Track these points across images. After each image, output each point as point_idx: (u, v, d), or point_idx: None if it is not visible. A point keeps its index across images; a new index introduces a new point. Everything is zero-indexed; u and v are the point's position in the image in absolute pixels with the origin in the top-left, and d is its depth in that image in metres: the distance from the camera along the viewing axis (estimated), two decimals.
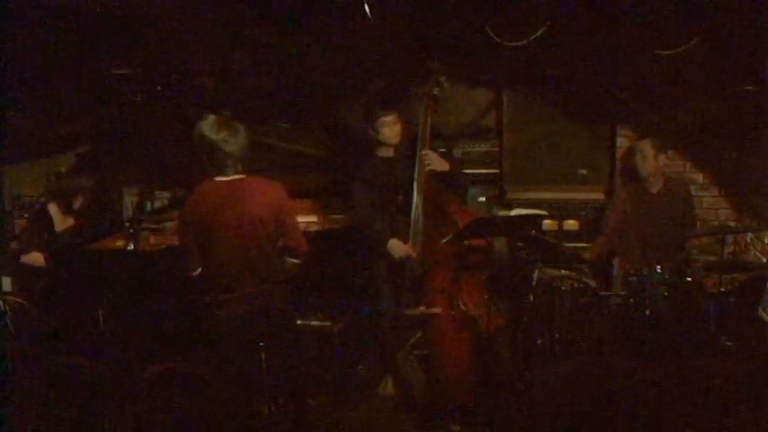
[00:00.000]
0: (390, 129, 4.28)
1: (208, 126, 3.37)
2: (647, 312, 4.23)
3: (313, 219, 4.97)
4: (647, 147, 4.78)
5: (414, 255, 4.13)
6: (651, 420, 3.56)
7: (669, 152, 5.00)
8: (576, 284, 4.45)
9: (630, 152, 4.97)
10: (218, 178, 3.42)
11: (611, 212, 4.91)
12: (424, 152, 4.18)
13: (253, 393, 3.50)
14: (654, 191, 4.85)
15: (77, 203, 4.70)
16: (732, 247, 4.81)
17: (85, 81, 5.05)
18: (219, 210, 3.36)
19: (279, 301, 3.52)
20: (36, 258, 4.57)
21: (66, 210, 4.71)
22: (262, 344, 3.43)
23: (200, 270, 3.47)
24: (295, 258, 3.57)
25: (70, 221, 4.76)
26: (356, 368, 4.59)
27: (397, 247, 4.19)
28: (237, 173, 3.43)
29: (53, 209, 4.71)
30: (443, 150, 4.93)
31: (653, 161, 4.77)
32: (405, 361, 4.09)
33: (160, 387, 3.70)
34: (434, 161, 4.20)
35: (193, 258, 3.46)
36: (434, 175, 4.22)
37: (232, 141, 3.36)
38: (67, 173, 4.80)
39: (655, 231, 4.77)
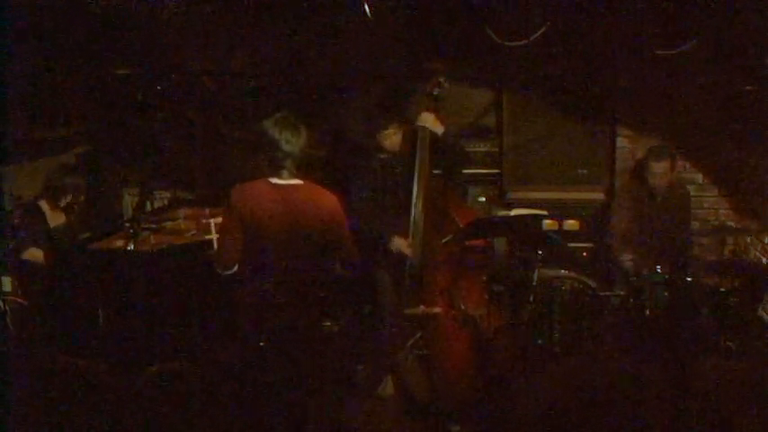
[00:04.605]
0: (391, 140, 4.31)
1: (271, 123, 3.28)
2: (647, 312, 4.23)
3: None
4: (666, 166, 4.67)
5: (412, 252, 4.13)
6: (651, 421, 3.56)
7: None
8: (575, 284, 4.45)
9: (645, 166, 4.78)
10: (272, 180, 3.30)
11: (618, 214, 4.88)
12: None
13: (258, 394, 3.48)
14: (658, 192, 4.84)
15: (64, 201, 4.68)
16: (732, 247, 4.82)
17: (85, 81, 5.05)
18: (271, 215, 3.25)
19: (312, 311, 3.44)
20: (35, 255, 4.53)
21: (55, 206, 4.69)
22: (261, 343, 3.41)
23: (235, 269, 3.35)
24: (349, 270, 3.51)
25: (62, 218, 4.74)
26: (356, 368, 4.59)
27: (396, 242, 4.20)
28: (293, 176, 3.32)
29: (44, 205, 4.69)
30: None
31: (669, 176, 4.71)
32: (405, 361, 4.09)
33: (159, 387, 3.70)
34: (429, 121, 4.16)
35: (230, 257, 3.32)
36: (433, 151, 4.17)
37: (294, 142, 3.25)
38: (58, 170, 4.78)
39: (657, 230, 4.77)
